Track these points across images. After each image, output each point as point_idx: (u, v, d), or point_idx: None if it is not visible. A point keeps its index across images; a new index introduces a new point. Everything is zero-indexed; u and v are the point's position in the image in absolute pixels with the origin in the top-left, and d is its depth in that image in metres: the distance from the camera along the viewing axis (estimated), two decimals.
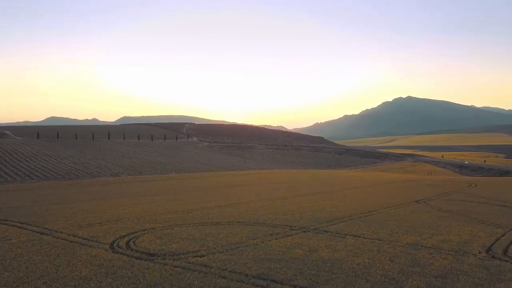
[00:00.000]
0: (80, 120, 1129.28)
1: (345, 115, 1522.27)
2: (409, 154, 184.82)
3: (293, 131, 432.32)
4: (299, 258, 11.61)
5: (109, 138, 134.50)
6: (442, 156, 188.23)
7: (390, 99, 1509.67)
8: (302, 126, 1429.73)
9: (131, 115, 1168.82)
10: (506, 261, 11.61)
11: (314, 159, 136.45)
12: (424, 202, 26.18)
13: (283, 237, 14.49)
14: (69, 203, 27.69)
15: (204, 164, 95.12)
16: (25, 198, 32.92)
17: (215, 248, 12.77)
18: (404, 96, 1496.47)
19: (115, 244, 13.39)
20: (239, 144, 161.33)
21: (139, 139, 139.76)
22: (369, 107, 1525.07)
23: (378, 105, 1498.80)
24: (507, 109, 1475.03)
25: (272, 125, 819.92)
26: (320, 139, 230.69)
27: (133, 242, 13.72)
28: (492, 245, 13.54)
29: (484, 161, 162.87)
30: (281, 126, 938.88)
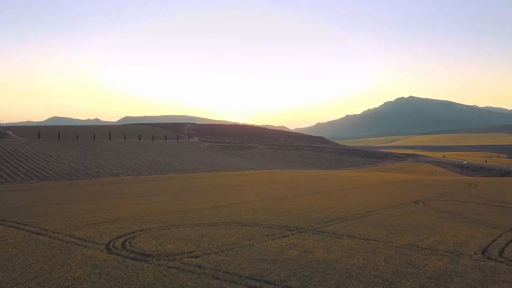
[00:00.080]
0: (82, 120, 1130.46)
1: (347, 115, 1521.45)
2: (410, 154, 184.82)
3: (294, 131, 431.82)
4: (293, 259, 11.60)
5: (110, 138, 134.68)
6: (444, 156, 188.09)
7: (392, 99, 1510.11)
8: (304, 126, 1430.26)
9: (133, 115, 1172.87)
10: (502, 262, 11.57)
11: (315, 159, 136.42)
12: (423, 202, 26.13)
13: (279, 238, 14.49)
14: (68, 203, 27.73)
15: (204, 164, 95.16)
16: (24, 199, 32.96)
17: (210, 248, 12.78)
18: (406, 96, 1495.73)
19: (110, 245, 13.41)
20: (240, 144, 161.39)
21: (140, 139, 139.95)
22: (371, 107, 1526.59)
23: (380, 105, 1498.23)
24: (509, 109, 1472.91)
25: (274, 125, 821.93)
26: (321, 139, 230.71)
27: (129, 242, 13.74)
28: (488, 246, 13.50)
29: (486, 161, 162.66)
30: (282, 126, 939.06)
